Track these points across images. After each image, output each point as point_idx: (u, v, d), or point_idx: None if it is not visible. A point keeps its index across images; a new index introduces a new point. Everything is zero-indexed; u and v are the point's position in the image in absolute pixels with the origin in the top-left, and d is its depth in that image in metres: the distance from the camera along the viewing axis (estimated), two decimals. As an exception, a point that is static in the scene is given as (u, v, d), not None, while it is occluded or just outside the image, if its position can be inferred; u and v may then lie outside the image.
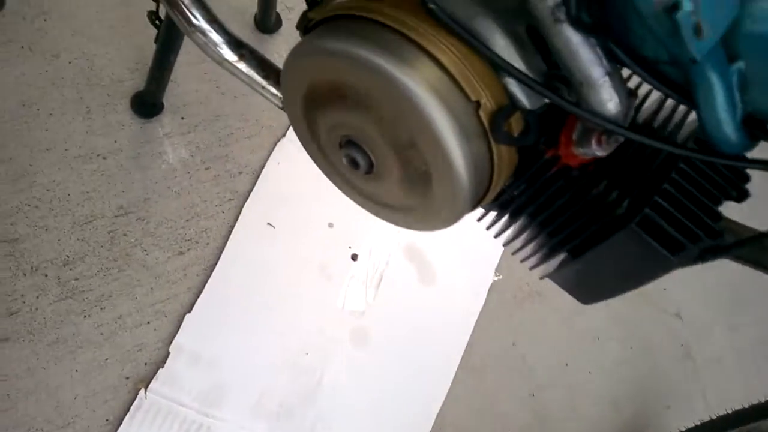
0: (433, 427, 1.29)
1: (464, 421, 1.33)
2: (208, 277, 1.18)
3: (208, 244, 1.20)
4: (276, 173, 1.30)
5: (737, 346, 1.74)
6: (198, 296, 1.16)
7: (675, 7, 0.37)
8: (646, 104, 0.63)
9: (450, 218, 0.59)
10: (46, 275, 1.07)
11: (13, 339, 1.03)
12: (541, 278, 0.67)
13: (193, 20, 0.63)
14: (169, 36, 0.99)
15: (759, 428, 1.10)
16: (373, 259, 1.34)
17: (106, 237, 1.13)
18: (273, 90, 0.67)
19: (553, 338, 1.49)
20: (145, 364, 1.10)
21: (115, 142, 1.18)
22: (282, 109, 0.70)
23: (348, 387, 1.25)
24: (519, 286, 1.48)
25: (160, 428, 1.08)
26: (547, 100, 0.54)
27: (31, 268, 1.07)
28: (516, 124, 0.52)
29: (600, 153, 0.52)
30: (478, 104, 0.50)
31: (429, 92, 0.49)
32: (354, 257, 1.33)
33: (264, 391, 1.18)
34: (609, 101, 0.48)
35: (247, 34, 1.37)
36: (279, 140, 1.32)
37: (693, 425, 1.30)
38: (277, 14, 1.38)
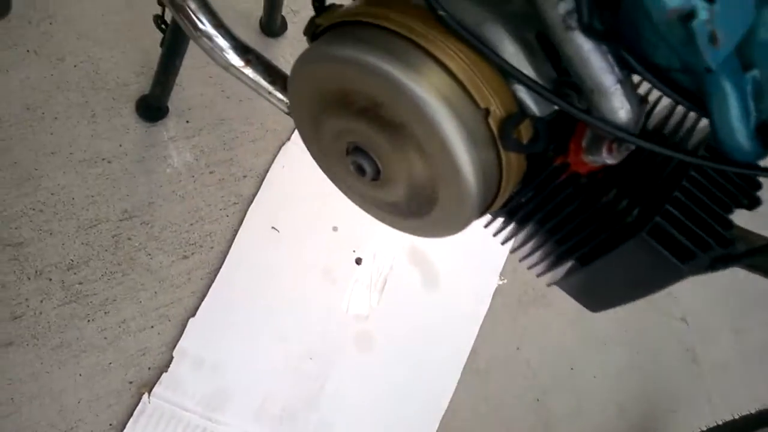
0: (436, 431, 1.28)
1: (468, 426, 1.32)
2: (212, 281, 1.18)
3: (212, 248, 1.20)
4: (281, 177, 1.29)
5: (743, 350, 1.73)
6: (202, 300, 1.16)
7: (690, 15, 0.36)
8: (657, 110, 0.62)
9: (457, 226, 0.59)
10: (51, 279, 1.07)
11: (17, 343, 1.02)
12: (549, 285, 0.67)
13: (200, 25, 0.63)
14: (175, 40, 0.99)
15: (765, 434, 1.10)
16: (378, 263, 1.34)
17: (111, 241, 1.13)
18: (279, 95, 0.67)
19: (558, 342, 1.48)
20: (149, 368, 1.10)
21: (120, 145, 1.18)
22: (288, 114, 0.70)
23: (351, 391, 1.24)
24: (524, 290, 1.47)
25: (163, 433, 1.08)
26: (556, 107, 0.53)
27: (36, 272, 1.06)
28: (525, 132, 0.52)
29: (610, 161, 0.52)
30: (487, 111, 0.50)
31: (437, 99, 0.49)
32: (358, 261, 1.33)
33: (267, 395, 1.17)
34: (620, 109, 0.47)
35: (252, 37, 1.37)
36: (284, 144, 1.32)
37: (699, 431, 1.29)
38: (283, 18, 1.37)
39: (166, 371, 1.10)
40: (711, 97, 0.42)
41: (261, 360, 1.18)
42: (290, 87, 0.60)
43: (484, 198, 0.55)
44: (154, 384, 1.09)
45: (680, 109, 0.61)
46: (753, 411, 1.16)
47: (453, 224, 0.58)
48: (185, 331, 1.13)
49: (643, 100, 0.50)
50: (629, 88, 0.47)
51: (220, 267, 1.19)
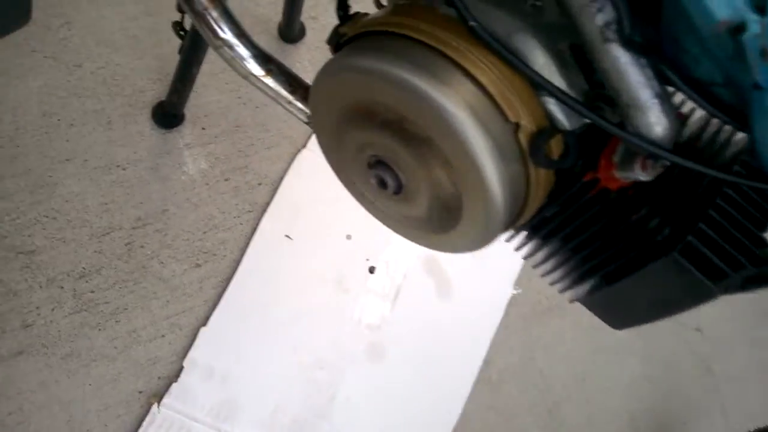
0: (449, 442, 1.26)
1: (480, 437, 1.30)
2: (224, 290, 1.17)
3: (225, 256, 1.19)
4: (295, 185, 1.28)
5: (759, 362, 1.71)
6: (213, 309, 1.15)
7: (740, 28, 0.35)
8: (689, 121, 0.60)
9: (480, 241, 0.57)
10: (62, 287, 1.06)
11: (27, 352, 1.02)
12: (571, 302, 0.65)
13: (221, 33, 0.61)
14: (193, 47, 0.98)
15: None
16: (391, 272, 1.32)
17: (123, 249, 1.12)
18: (299, 105, 0.66)
19: (572, 353, 1.46)
20: (159, 378, 1.09)
21: (135, 152, 1.17)
22: (307, 124, 0.69)
23: (362, 402, 1.23)
24: (538, 300, 1.45)
25: (172, 444, 1.07)
26: (586, 120, 0.52)
27: (47, 280, 1.06)
28: (555, 146, 0.50)
29: (643, 178, 0.50)
30: (517, 126, 0.48)
31: (466, 112, 0.47)
32: (371, 270, 1.31)
33: (277, 405, 1.16)
34: (657, 124, 0.46)
35: (270, 43, 1.36)
36: (299, 151, 1.31)
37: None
38: (302, 24, 1.36)
39: (176, 381, 1.09)
40: (756, 114, 0.41)
41: (272, 370, 1.17)
42: (312, 97, 0.59)
43: (509, 214, 0.53)
44: (164, 394, 1.08)
45: (715, 121, 0.59)
46: (768, 424, 1.14)
47: (476, 240, 0.57)
48: (196, 341, 1.12)
49: (680, 115, 0.49)
50: (667, 103, 0.46)
51: (233, 276, 1.18)
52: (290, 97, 0.66)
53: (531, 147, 0.49)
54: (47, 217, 1.08)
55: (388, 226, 0.67)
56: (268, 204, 1.25)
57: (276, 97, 0.66)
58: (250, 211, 1.23)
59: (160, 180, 1.18)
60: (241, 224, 1.22)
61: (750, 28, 0.34)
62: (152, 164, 1.18)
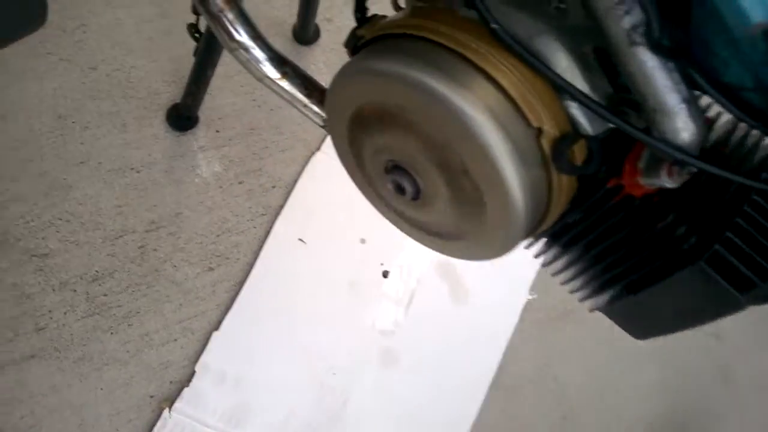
0: (462, 450, 1.25)
1: (494, 444, 1.29)
2: (237, 294, 1.16)
3: (238, 259, 1.18)
4: (309, 188, 1.28)
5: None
6: (226, 313, 1.14)
7: (776, 31, 0.33)
8: (716, 125, 0.59)
9: (500, 249, 0.56)
10: (75, 291, 1.06)
11: (39, 356, 1.01)
12: (592, 311, 0.64)
13: (236, 36, 0.61)
14: (208, 49, 0.98)
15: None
16: (405, 276, 1.31)
17: (137, 252, 1.11)
18: (315, 108, 0.65)
19: (588, 360, 1.44)
20: (171, 382, 1.08)
21: (150, 155, 1.17)
22: (323, 127, 0.68)
23: (375, 408, 1.22)
24: (554, 305, 1.43)
25: (184, 449, 1.06)
26: (610, 125, 0.50)
27: (60, 283, 1.05)
28: (579, 152, 0.49)
29: (670, 185, 0.48)
30: (539, 131, 0.47)
31: (486, 116, 0.46)
32: (385, 274, 1.30)
33: (290, 411, 1.15)
34: (684, 130, 0.44)
35: (284, 45, 1.36)
36: (313, 154, 1.30)
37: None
38: (316, 26, 1.36)
39: (188, 386, 1.08)
40: (790, 120, 0.39)
41: (284, 375, 1.16)
42: (328, 101, 0.58)
43: (531, 221, 0.52)
44: (176, 399, 1.07)
45: (742, 126, 0.57)
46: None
47: (496, 248, 0.56)
48: (208, 346, 1.11)
49: (708, 120, 0.47)
50: (695, 108, 0.44)
51: (246, 279, 1.17)
52: (306, 100, 0.64)
53: (554, 152, 0.48)
54: (61, 219, 1.08)
55: (404, 231, 0.66)
56: (281, 207, 1.24)
57: (291, 100, 0.65)
58: (263, 215, 1.23)
59: (174, 183, 1.18)
60: (255, 227, 1.21)
61: (788, 31, 0.33)
62: (166, 167, 1.18)
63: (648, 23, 0.40)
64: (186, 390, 1.08)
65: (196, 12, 0.83)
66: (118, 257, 1.10)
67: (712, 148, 0.57)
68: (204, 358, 1.10)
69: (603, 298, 0.61)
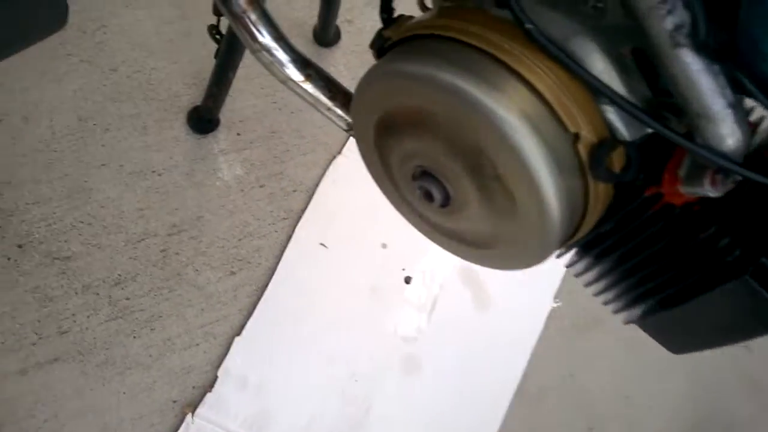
0: (486, 460, 1.23)
1: (518, 455, 1.26)
2: (259, 299, 1.15)
3: (260, 264, 1.17)
4: (330, 192, 1.26)
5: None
6: (248, 318, 1.13)
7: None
8: (759, 129, 0.56)
9: (533, 259, 0.54)
10: (98, 294, 1.06)
11: (62, 359, 1.01)
12: (626, 323, 0.61)
13: (259, 37, 0.59)
14: (230, 51, 0.97)
15: None
16: (427, 282, 1.29)
17: (159, 256, 1.11)
18: (339, 112, 0.63)
19: (614, 369, 1.42)
20: (193, 387, 1.07)
21: (171, 158, 1.17)
22: (347, 131, 0.66)
23: (398, 415, 1.20)
24: (579, 313, 1.41)
25: (205, 454, 1.05)
26: (649, 130, 0.48)
27: (83, 286, 1.05)
28: (617, 159, 0.47)
29: (712, 194, 0.46)
30: (576, 136, 0.45)
31: (522, 121, 0.44)
32: (407, 280, 1.28)
33: (312, 417, 1.14)
34: (729, 136, 0.42)
35: (305, 46, 1.34)
36: (334, 158, 1.28)
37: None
38: (337, 27, 1.35)
39: (210, 391, 1.07)
40: None
41: (306, 381, 1.15)
42: (354, 105, 0.56)
43: (566, 229, 0.50)
44: (198, 404, 1.06)
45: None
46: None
47: (529, 257, 0.53)
48: (230, 351, 1.10)
49: (754, 127, 0.45)
50: (741, 113, 0.42)
51: (268, 284, 1.16)
52: (329, 104, 0.63)
53: (591, 159, 0.45)
54: (83, 222, 1.08)
55: (431, 239, 0.64)
56: (303, 211, 1.23)
57: (315, 103, 0.64)
58: (285, 219, 1.22)
59: (195, 186, 1.17)
60: (276, 231, 1.20)
61: None
62: (187, 170, 1.17)
63: (694, 23, 0.38)
64: (209, 395, 1.07)
65: (217, 13, 0.82)
66: (141, 261, 1.10)
67: (755, 154, 0.54)
68: (226, 363, 1.10)
69: (638, 311, 0.59)
